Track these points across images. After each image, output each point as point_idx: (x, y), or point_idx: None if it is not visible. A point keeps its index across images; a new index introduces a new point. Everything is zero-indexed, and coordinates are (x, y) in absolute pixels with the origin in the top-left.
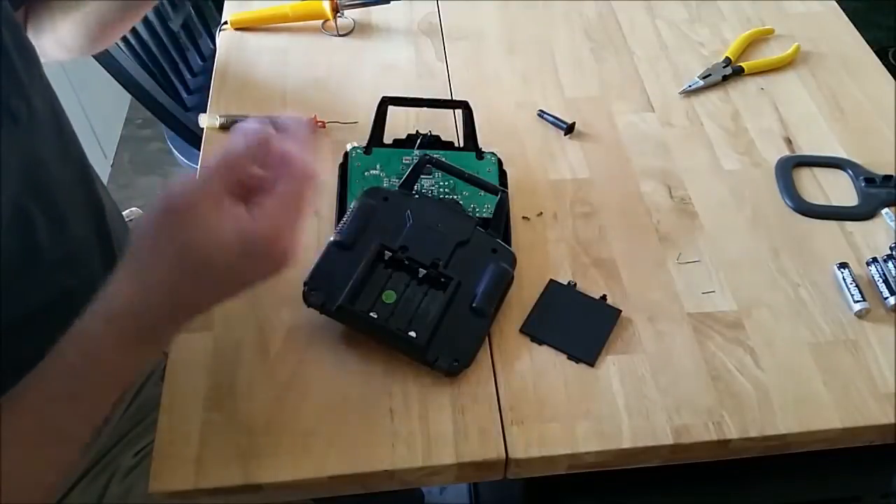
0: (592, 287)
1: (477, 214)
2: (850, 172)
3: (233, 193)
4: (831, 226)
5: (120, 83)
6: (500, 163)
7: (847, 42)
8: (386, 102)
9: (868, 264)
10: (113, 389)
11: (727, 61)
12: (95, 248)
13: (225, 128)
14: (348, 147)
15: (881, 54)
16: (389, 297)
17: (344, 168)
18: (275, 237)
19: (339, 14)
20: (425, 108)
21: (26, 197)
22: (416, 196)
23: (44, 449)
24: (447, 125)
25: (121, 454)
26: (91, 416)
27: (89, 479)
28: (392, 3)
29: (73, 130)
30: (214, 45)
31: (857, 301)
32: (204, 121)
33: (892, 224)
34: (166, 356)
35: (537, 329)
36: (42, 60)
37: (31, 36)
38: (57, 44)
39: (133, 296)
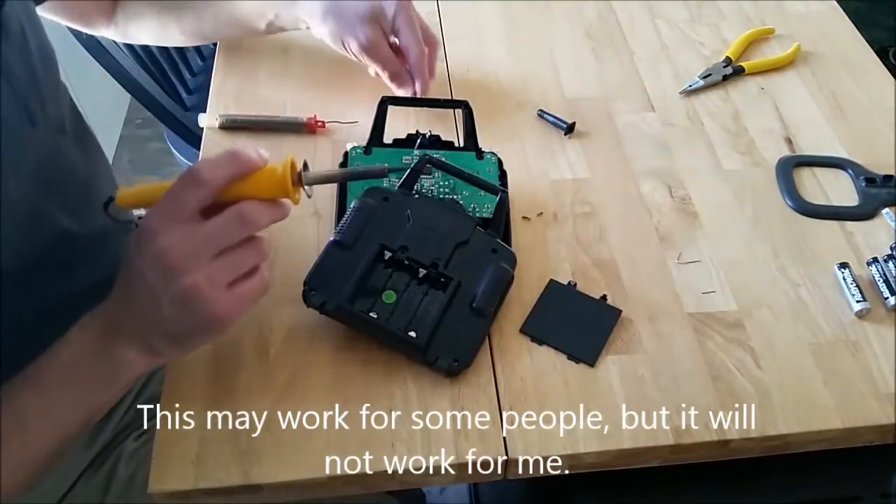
0: (592, 287)
1: (477, 214)
2: (851, 172)
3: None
4: (832, 226)
5: (120, 83)
6: (500, 163)
7: (847, 42)
8: (386, 102)
9: (868, 264)
10: (70, 399)
11: (727, 61)
12: (116, 239)
13: (225, 128)
14: (348, 147)
15: (881, 54)
16: (389, 297)
17: (344, 168)
18: (227, 315)
19: None
20: (425, 108)
21: (40, 197)
22: (416, 196)
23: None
24: (447, 125)
25: (126, 440)
26: (55, 418)
27: (97, 464)
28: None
29: (90, 129)
30: (214, 44)
31: (858, 301)
32: (204, 121)
33: (893, 224)
34: None
35: (537, 329)
36: (124, 41)
37: (120, 18)
38: (148, 35)
39: (107, 301)
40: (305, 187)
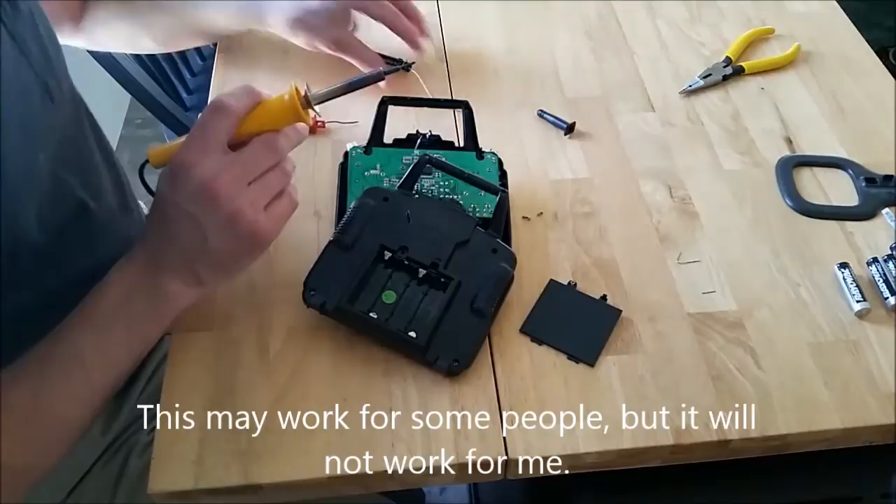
0: (592, 287)
1: (477, 214)
2: (851, 172)
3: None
4: (832, 226)
5: (120, 83)
6: (500, 163)
7: (847, 42)
8: (386, 102)
9: (868, 264)
10: (115, 343)
11: (727, 61)
12: (121, 221)
13: None
14: (348, 147)
15: (881, 54)
16: (389, 297)
17: (344, 168)
18: (269, 234)
19: None
20: (425, 108)
21: (61, 169)
22: (416, 196)
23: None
24: (447, 125)
25: (137, 433)
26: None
27: (109, 455)
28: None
29: (91, 112)
30: (215, 44)
31: (858, 301)
32: None
33: (893, 224)
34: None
35: (537, 329)
36: (94, 49)
37: (88, 24)
38: (115, 38)
39: (143, 241)
40: (314, 107)
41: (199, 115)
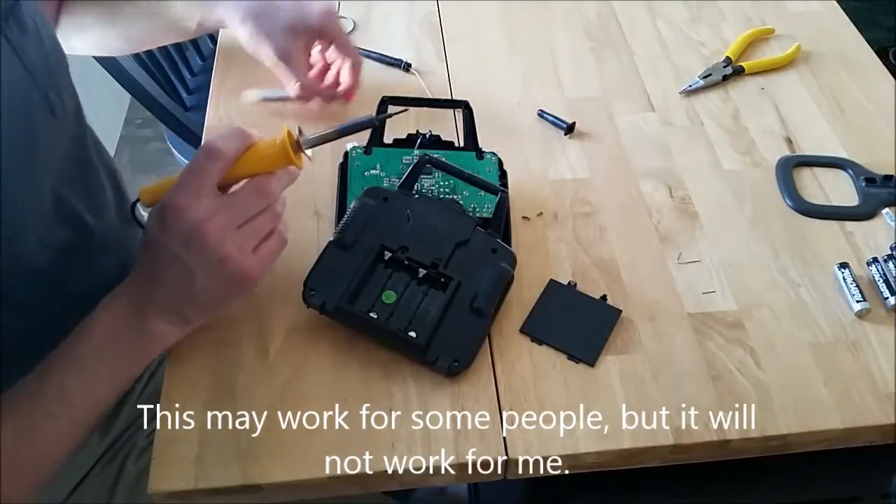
0: (592, 287)
1: (477, 214)
2: (851, 172)
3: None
4: (832, 226)
5: (120, 83)
6: (500, 163)
7: (847, 42)
8: (386, 102)
9: (868, 264)
10: (101, 378)
11: (727, 61)
12: (122, 235)
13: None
14: (348, 147)
15: (881, 54)
16: (389, 297)
17: (344, 168)
18: (257, 276)
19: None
20: (425, 108)
21: (64, 187)
22: (416, 196)
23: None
24: (447, 125)
25: (135, 435)
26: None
27: (106, 459)
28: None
29: (89, 126)
30: (214, 44)
31: (858, 301)
32: (250, 96)
33: (893, 224)
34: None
35: (537, 329)
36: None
37: (61, 28)
38: (88, 43)
39: (129, 280)
40: (305, 151)
41: (191, 158)
